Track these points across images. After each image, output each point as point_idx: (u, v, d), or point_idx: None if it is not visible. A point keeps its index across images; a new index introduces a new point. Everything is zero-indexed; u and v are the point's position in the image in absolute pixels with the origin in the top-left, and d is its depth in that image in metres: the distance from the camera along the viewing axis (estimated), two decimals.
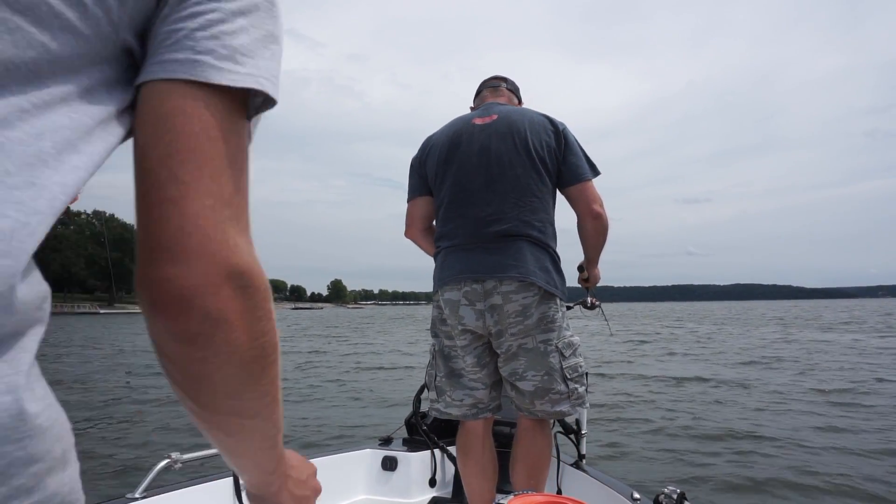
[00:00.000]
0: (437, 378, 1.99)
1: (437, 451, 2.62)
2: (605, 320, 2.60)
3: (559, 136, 1.94)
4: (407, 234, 2.17)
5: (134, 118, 0.44)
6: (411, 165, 2.15)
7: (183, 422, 5.97)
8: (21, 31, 0.36)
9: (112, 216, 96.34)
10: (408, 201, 2.16)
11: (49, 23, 0.37)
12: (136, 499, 1.81)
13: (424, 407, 2.62)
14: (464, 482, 2.01)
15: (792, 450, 5.26)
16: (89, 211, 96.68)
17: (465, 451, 1.98)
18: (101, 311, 76.14)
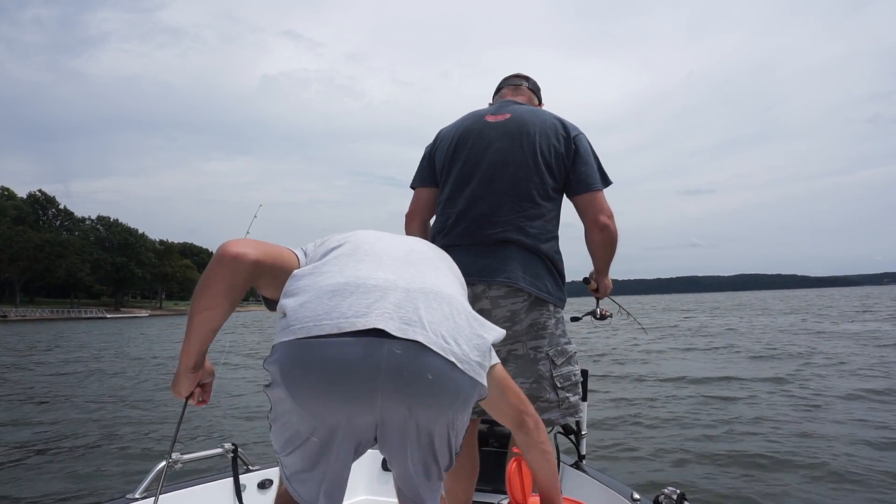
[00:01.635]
0: None
1: None
2: (636, 322, 2.55)
3: (570, 143, 1.89)
4: (407, 226, 2.08)
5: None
6: (423, 154, 2.11)
7: (184, 424, 5.93)
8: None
9: (116, 221, 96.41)
10: (412, 187, 2.10)
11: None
12: (136, 499, 1.80)
13: None
14: (444, 479, 2.02)
15: (794, 450, 5.26)
16: (94, 216, 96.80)
17: None
18: (108, 316, 76.28)
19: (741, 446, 5.28)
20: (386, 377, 0.99)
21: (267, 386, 1.10)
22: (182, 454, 1.93)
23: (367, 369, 0.98)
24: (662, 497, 1.78)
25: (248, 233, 1.92)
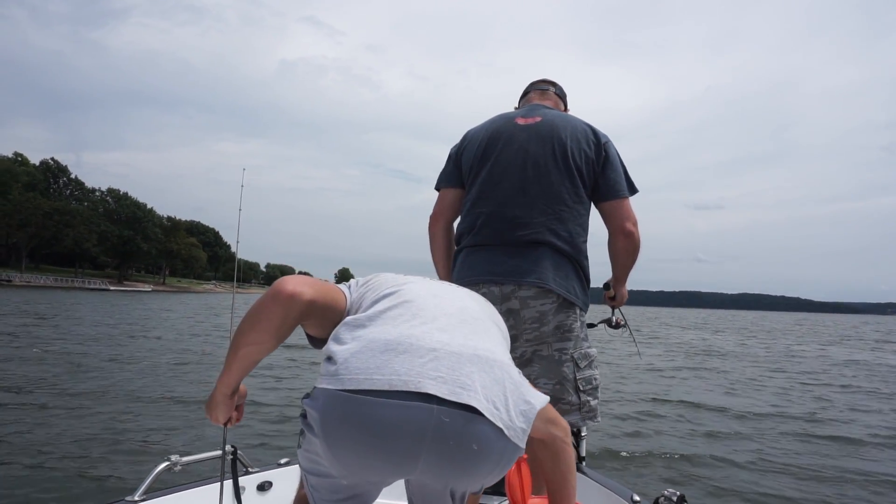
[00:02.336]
0: None
1: None
2: (634, 341, 2.55)
3: (600, 149, 1.90)
4: (432, 227, 2.08)
5: None
6: (449, 155, 2.11)
7: (183, 423, 5.95)
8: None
9: (126, 194, 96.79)
10: (438, 189, 2.10)
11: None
12: (136, 501, 1.78)
13: None
14: None
15: (794, 457, 5.29)
16: (104, 188, 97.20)
17: None
18: (112, 288, 76.67)
19: (741, 450, 5.32)
20: (431, 444, 0.97)
21: (303, 417, 1.09)
22: (182, 456, 1.92)
23: (414, 435, 0.96)
24: (662, 499, 1.77)
25: (240, 209, 1.93)
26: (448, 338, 1.08)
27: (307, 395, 1.07)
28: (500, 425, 1.01)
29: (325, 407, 1.00)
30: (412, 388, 0.97)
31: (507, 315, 1.81)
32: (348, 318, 1.14)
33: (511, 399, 1.06)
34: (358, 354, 1.03)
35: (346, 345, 1.06)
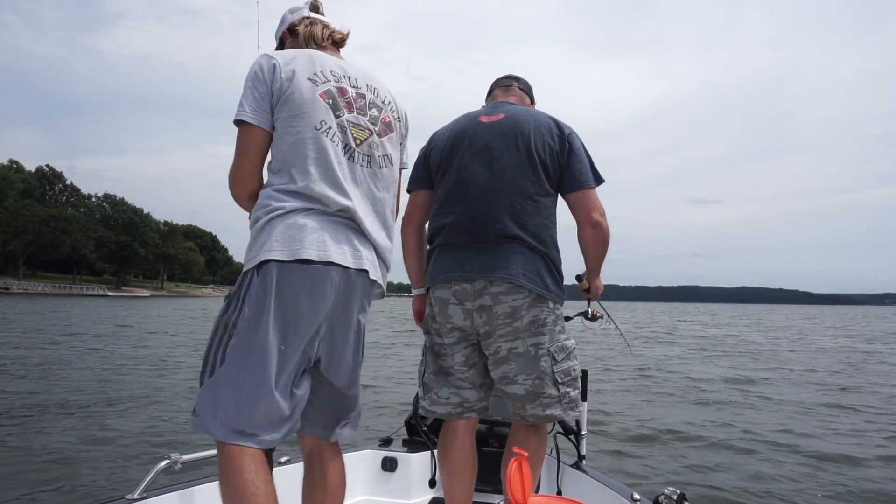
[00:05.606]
0: (426, 374, 2.00)
1: (436, 452, 2.62)
2: (621, 334, 2.51)
3: (563, 141, 1.92)
4: (404, 229, 2.13)
5: None
6: (417, 158, 2.14)
7: (184, 421, 5.94)
8: None
9: (122, 199, 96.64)
10: (408, 192, 2.14)
11: None
12: (135, 499, 1.79)
13: None
14: (442, 481, 2.02)
15: (793, 453, 5.25)
16: (100, 194, 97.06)
17: (445, 449, 1.97)
18: (110, 294, 76.57)
19: (741, 446, 5.30)
20: (341, 294, 1.48)
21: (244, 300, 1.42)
22: (182, 454, 1.94)
23: (335, 289, 1.46)
24: (662, 497, 1.76)
25: (258, 46, 1.94)
26: (356, 221, 1.52)
27: (257, 269, 1.43)
28: (376, 278, 1.57)
29: (279, 274, 1.40)
30: (330, 259, 1.43)
31: (481, 312, 1.83)
32: (275, 202, 1.46)
33: (378, 262, 1.60)
34: (292, 237, 1.42)
35: (279, 228, 1.43)
